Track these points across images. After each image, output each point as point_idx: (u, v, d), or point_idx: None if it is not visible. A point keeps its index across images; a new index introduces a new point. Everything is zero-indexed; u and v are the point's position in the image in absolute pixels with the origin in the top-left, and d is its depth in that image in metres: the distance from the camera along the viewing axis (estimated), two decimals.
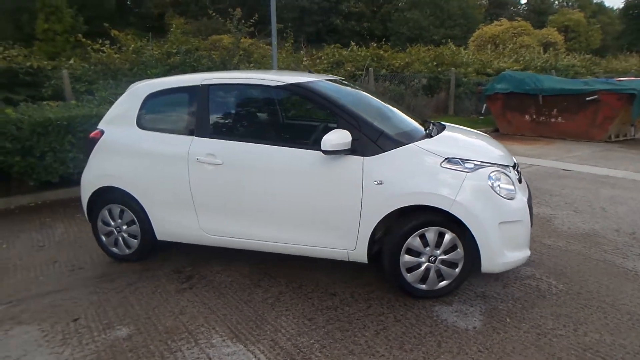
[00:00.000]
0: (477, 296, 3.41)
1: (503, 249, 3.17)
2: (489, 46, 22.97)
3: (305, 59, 13.17)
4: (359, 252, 3.36)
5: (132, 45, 9.78)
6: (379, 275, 3.65)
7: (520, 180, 3.56)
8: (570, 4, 47.38)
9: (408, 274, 3.29)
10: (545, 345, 2.81)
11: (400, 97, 12.34)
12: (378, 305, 3.29)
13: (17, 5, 25.68)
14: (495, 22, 27.91)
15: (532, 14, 43.20)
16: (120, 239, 4.04)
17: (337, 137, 3.17)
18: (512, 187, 3.26)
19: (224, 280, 3.72)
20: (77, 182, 4.28)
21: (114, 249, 4.09)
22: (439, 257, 3.25)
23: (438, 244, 3.23)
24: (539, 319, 3.09)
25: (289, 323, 3.09)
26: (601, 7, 48.37)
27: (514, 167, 3.58)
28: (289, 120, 4.67)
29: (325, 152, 3.17)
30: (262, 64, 10.91)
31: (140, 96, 3.97)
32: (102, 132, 4.04)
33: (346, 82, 4.50)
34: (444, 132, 3.79)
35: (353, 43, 15.26)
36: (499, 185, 3.20)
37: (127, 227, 3.99)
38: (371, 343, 2.85)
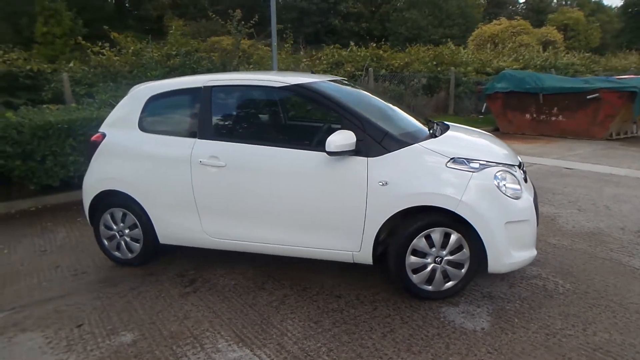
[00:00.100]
0: (484, 296, 3.39)
1: (510, 249, 3.14)
2: (488, 45, 22.95)
3: (304, 59, 13.16)
4: (364, 254, 3.33)
5: (132, 48, 9.76)
6: (384, 276, 3.62)
7: (525, 180, 3.53)
8: (568, 2, 47.38)
9: (414, 275, 3.26)
10: (555, 345, 2.78)
11: (400, 97, 12.32)
12: (384, 307, 3.26)
13: (16, 9, 25.68)
14: (495, 21, 27.90)
15: (530, 13, 43.19)
16: (122, 243, 4.01)
17: (342, 138, 3.14)
18: (518, 187, 3.23)
19: (228, 284, 3.69)
20: (78, 186, 4.26)
21: (117, 253, 4.06)
22: (445, 258, 3.22)
23: (444, 245, 3.20)
24: (547, 319, 3.06)
25: (295, 326, 3.06)
26: (600, 6, 48.35)
27: (519, 166, 3.55)
28: (292, 122, 4.64)
29: (330, 153, 3.14)
30: (262, 65, 10.90)
31: (142, 99, 3.95)
32: (103, 136, 4.02)
33: (349, 83, 4.47)
34: (448, 132, 3.76)
35: (352, 43, 15.26)
36: (504, 184, 3.18)
37: (130, 230, 3.96)
38: (379, 346, 2.82)
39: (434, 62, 14.68)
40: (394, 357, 2.71)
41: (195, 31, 23.04)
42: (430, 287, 3.29)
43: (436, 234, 3.18)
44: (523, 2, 49.38)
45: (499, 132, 11.61)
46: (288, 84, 3.60)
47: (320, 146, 3.25)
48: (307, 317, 3.16)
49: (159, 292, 3.60)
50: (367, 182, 3.20)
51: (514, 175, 3.28)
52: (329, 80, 3.99)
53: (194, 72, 8.76)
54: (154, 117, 3.95)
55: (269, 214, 3.51)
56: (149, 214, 3.83)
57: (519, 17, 29.11)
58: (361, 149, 3.21)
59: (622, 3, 48.08)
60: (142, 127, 3.89)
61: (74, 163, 5.89)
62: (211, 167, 3.56)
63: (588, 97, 10.04)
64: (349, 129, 3.24)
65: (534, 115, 11.14)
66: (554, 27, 29.54)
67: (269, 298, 3.44)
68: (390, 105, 4.11)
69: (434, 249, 3.21)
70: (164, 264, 4.09)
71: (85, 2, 29.17)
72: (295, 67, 11.83)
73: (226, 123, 3.94)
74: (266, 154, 3.49)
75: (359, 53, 14.11)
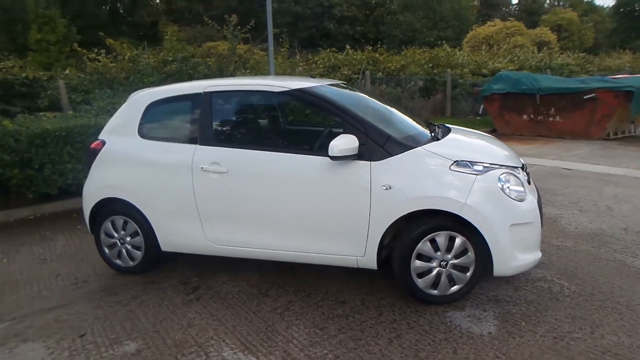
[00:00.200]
0: (489, 300, 3.37)
1: (515, 251, 3.13)
2: (483, 47, 23.03)
3: (301, 63, 13.15)
4: (368, 259, 3.30)
5: (128, 54, 9.72)
6: (388, 281, 3.60)
7: (529, 182, 3.52)
8: (561, 3, 47.64)
9: (419, 280, 3.24)
10: (563, 349, 2.76)
11: (397, 100, 12.33)
12: (389, 312, 3.24)
13: (10, 16, 25.56)
14: (489, 23, 28.00)
15: (523, 14, 43.36)
16: (123, 250, 3.97)
17: (344, 143, 3.12)
18: (521, 189, 3.22)
19: (231, 291, 3.66)
20: (77, 194, 4.23)
21: (118, 261, 4.03)
22: (450, 262, 3.20)
23: (449, 248, 3.18)
24: (554, 322, 3.04)
25: (300, 333, 3.03)
26: (592, 6, 48.60)
27: (522, 168, 3.54)
28: (294, 126, 4.62)
29: (333, 158, 3.12)
30: (258, 70, 10.88)
31: (142, 105, 3.92)
32: (103, 143, 3.98)
33: (349, 87, 4.45)
34: (450, 135, 3.75)
35: (348, 47, 15.28)
36: (508, 187, 3.16)
37: (131, 238, 3.92)
38: (385, 352, 2.79)
39: (430, 65, 14.71)
40: None
41: (190, 37, 23.01)
42: (435, 291, 3.26)
43: (441, 238, 3.16)
44: (516, 4, 49.62)
45: (496, 133, 11.61)
46: (289, 89, 3.58)
47: (322, 151, 3.24)
48: (313, 324, 3.13)
49: (161, 300, 3.56)
50: (371, 187, 3.17)
51: (518, 178, 3.27)
52: (329, 85, 3.97)
53: (190, 77, 8.73)
54: (154, 123, 3.92)
55: (272, 219, 3.49)
56: (150, 222, 3.79)
57: (512, 19, 29.18)
58: (364, 153, 3.19)
59: (614, 3, 48.39)
60: (142, 133, 3.86)
61: (72, 171, 5.85)
62: (213, 173, 3.53)
63: (585, 97, 10.07)
64: (351, 133, 3.22)
65: (531, 116, 11.17)
66: (548, 27, 29.66)
67: (274, 304, 3.41)
68: (391, 108, 4.10)
69: (439, 253, 3.18)
70: (165, 271, 4.05)
71: (79, 9, 29.11)
72: (291, 72, 11.82)
73: (227, 129, 3.91)
74: (268, 159, 3.47)
75: (355, 56, 14.13)
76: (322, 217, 3.35)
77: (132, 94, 4.17)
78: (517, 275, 3.60)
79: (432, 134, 3.65)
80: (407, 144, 3.28)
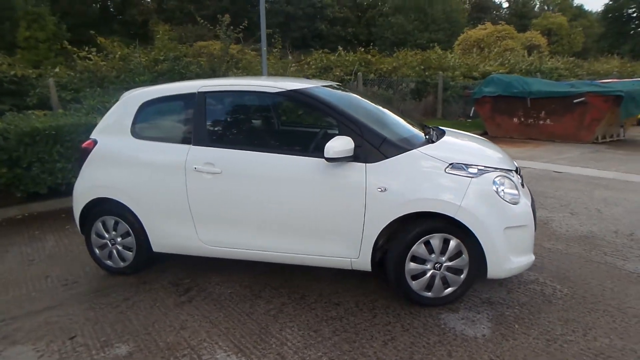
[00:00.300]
0: (483, 302, 3.37)
1: (509, 254, 3.14)
2: (474, 50, 23.19)
3: (293, 64, 13.13)
4: (363, 261, 3.30)
5: (119, 53, 9.64)
6: (383, 283, 3.59)
7: (522, 185, 3.53)
8: (551, 7, 48.13)
9: (413, 282, 3.24)
10: (556, 351, 2.77)
11: (389, 101, 12.36)
12: (384, 315, 3.23)
13: None
14: (480, 26, 28.21)
15: (514, 18, 43.78)
16: (114, 251, 3.92)
17: (340, 144, 3.11)
18: (516, 192, 3.23)
19: (224, 292, 3.63)
20: (66, 193, 4.17)
21: (108, 262, 3.97)
22: (444, 264, 3.20)
23: (443, 251, 3.18)
24: (547, 325, 3.06)
25: (294, 335, 3.01)
26: (581, 11, 49.20)
27: (516, 171, 3.56)
28: (288, 127, 4.60)
29: (328, 160, 3.11)
30: (250, 70, 10.84)
31: (135, 105, 3.87)
32: (95, 142, 3.93)
33: (343, 88, 4.44)
34: (445, 137, 3.75)
35: (340, 48, 15.29)
36: (503, 190, 3.17)
37: (122, 239, 3.87)
38: (380, 354, 2.78)
39: (422, 67, 14.77)
40: None
41: (182, 36, 22.89)
42: (429, 293, 3.26)
43: (435, 240, 3.16)
44: (506, 7, 50.06)
45: (487, 135, 11.66)
46: (285, 90, 3.56)
47: (317, 152, 3.23)
48: (306, 326, 3.12)
49: (153, 301, 3.52)
50: (366, 188, 3.17)
51: (512, 181, 3.28)
52: (323, 86, 3.96)
53: (182, 77, 8.68)
54: (147, 123, 3.87)
55: (266, 221, 3.46)
56: (142, 222, 3.75)
57: (503, 22, 29.44)
58: (359, 155, 3.18)
59: (602, 8, 48.99)
60: (135, 133, 3.81)
61: (62, 170, 5.77)
62: (206, 173, 3.50)
63: (575, 101, 10.16)
64: (346, 135, 3.21)
65: (522, 119, 11.25)
66: (538, 31, 29.95)
67: (267, 306, 3.39)
68: (386, 110, 4.09)
69: (433, 255, 3.18)
70: (157, 272, 4.01)
71: (69, 6, 28.88)
72: (284, 72, 11.80)
73: (221, 129, 3.88)
74: (262, 160, 3.45)
75: (347, 58, 14.16)
76: (316, 219, 3.34)
77: (125, 93, 4.12)
78: (510, 278, 3.62)
79: (427, 137, 3.66)
80: (402, 146, 3.28)
